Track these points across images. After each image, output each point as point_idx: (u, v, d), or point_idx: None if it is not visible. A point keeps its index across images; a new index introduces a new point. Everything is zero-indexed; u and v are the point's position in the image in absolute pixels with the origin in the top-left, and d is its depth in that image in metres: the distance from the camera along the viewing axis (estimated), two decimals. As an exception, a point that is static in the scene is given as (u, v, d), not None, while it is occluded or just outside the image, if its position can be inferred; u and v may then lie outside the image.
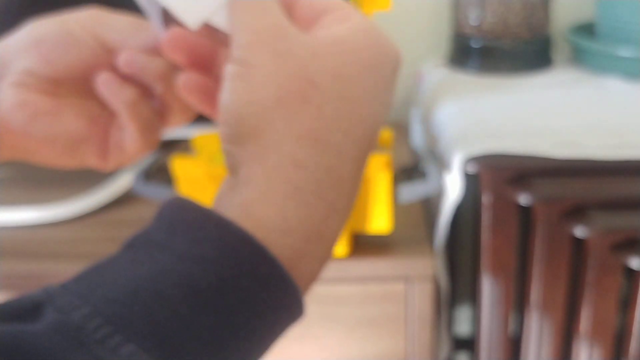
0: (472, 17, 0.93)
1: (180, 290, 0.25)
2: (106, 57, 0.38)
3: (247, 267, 0.26)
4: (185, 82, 0.34)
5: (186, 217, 0.27)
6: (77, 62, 0.38)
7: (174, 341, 0.25)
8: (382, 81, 0.29)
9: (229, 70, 0.28)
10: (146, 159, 0.77)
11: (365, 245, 0.72)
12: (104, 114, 0.39)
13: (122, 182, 0.84)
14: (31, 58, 0.37)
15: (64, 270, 0.69)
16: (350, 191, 0.29)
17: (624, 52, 0.88)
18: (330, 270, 0.73)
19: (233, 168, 0.29)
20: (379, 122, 0.29)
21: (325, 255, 0.30)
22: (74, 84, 0.38)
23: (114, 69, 0.38)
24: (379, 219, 0.69)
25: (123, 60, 0.37)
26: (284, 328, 0.28)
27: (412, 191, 0.71)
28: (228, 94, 0.28)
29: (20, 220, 0.80)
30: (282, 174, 0.27)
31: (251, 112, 0.27)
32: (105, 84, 0.37)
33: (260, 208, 0.27)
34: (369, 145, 0.29)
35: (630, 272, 0.70)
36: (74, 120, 0.38)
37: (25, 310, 0.25)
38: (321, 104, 0.27)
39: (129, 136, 0.38)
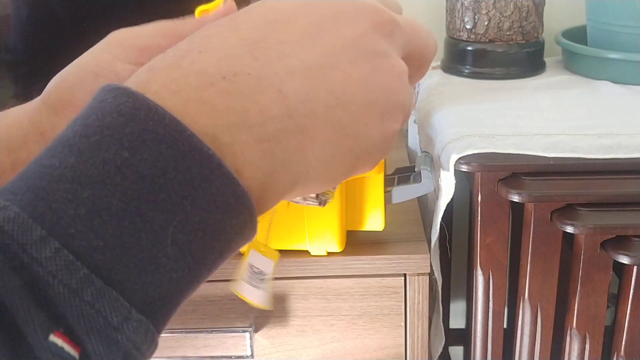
0: (467, 22, 0.95)
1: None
2: None
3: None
4: None
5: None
6: None
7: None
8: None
9: None
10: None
11: (364, 242, 0.74)
12: None
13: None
14: None
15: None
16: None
17: (615, 56, 0.89)
18: (330, 265, 0.75)
19: None
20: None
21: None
22: None
23: None
24: (373, 218, 0.71)
25: None
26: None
27: (406, 192, 0.72)
28: None
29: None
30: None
31: None
32: None
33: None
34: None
35: (619, 268, 0.71)
36: None
37: None
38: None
39: None
